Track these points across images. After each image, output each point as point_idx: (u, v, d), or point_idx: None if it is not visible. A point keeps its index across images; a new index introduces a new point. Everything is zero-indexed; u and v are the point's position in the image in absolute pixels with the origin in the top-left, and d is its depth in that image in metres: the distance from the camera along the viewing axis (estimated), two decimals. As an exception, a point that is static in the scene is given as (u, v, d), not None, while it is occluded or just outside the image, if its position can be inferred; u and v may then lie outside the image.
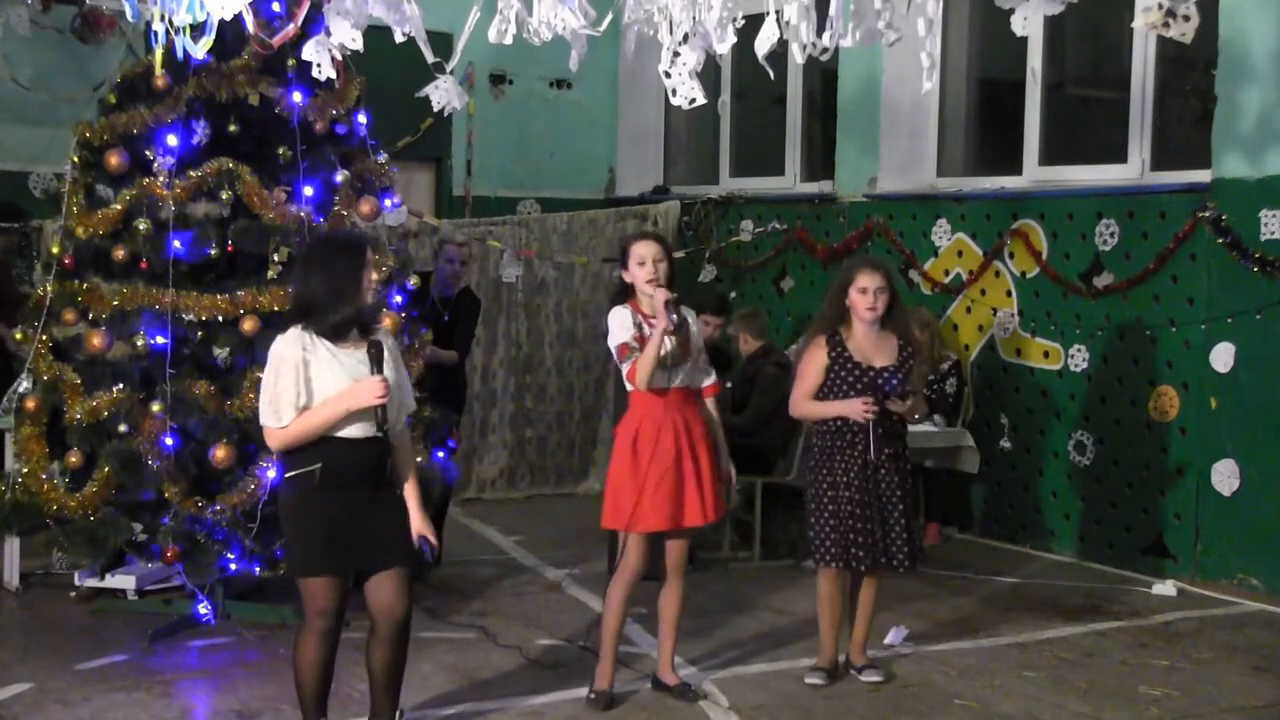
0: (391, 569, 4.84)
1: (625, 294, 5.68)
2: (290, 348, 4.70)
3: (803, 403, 6.03)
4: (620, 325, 5.60)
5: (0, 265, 8.56)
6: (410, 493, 4.93)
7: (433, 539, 4.95)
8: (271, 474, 6.25)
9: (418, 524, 4.92)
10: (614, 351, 5.63)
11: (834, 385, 5.93)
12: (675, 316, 5.46)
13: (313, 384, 4.70)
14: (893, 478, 5.92)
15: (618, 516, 5.63)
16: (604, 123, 11.78)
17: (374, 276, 4.80)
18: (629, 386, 5.66)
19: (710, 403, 5.82)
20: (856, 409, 5.82)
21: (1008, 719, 5.72)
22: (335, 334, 4.74)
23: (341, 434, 4.71)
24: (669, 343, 5.52)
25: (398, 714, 5.03)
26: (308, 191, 6.48)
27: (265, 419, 4.72)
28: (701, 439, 5.68)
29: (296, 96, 6.51)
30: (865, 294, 5.88)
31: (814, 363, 5.97)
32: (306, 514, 4.76)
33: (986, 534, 9.02)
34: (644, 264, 5.57)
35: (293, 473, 4.75)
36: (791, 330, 9.96)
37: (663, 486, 5.56)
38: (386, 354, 4.81)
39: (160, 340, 6.30)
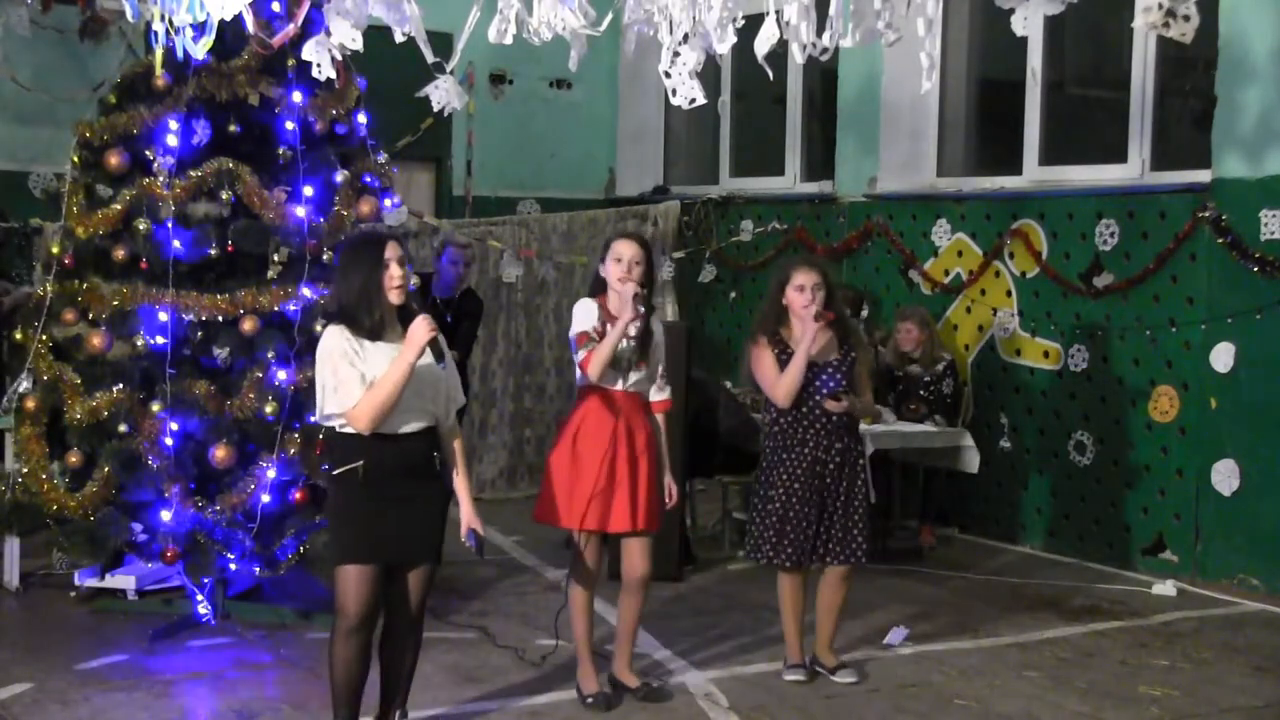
0: (419, 567, 4.92)
1: (597, 290, 5.66)
2: (336, 340, 4.75)
3: (777, 386, 5.92)
4: (584, 316, 5.57)
5: None
6: (461, 484, 5.00)
7: (480, 530, 5.00)
8: (271, 474, 6.27)
9: (468, 516, 4.99)
10: (572, 341, 5.57)
11: None
12: (641, 308, 5.45)
13: (367, 364, 4.73)
14: (840, 473, 5.93)
15: (565, 514, 5.57)
16: (604, 123, 11.79)
17: (397, 272, 4.77)
18: (579, 378, 5.61)
19: (660, 418, 5.74)
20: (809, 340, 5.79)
21: (1007, 719, 5.73)
22: (371, 336, 4.77)
23: (387, 430, 4.73)
24: (627, 340, 5.49)
25: (397, 714, 5.04)
26: (308, 191, 6.48)
27: (335, 407, 4.72)
28: (644, 448, 5.61)
29: (296, 96, 6.51)
30: (802, 291, 5.89)
31: (766, 359, 5.96)
32: (348, 509, 4.81)
33: (987, 534, 9.01)
34: (620, 261, 5.54)
35: (337, 470, 4.81)
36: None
37: (607, 488, 5.52)
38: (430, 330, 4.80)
39: (160, 340, 6.30)
